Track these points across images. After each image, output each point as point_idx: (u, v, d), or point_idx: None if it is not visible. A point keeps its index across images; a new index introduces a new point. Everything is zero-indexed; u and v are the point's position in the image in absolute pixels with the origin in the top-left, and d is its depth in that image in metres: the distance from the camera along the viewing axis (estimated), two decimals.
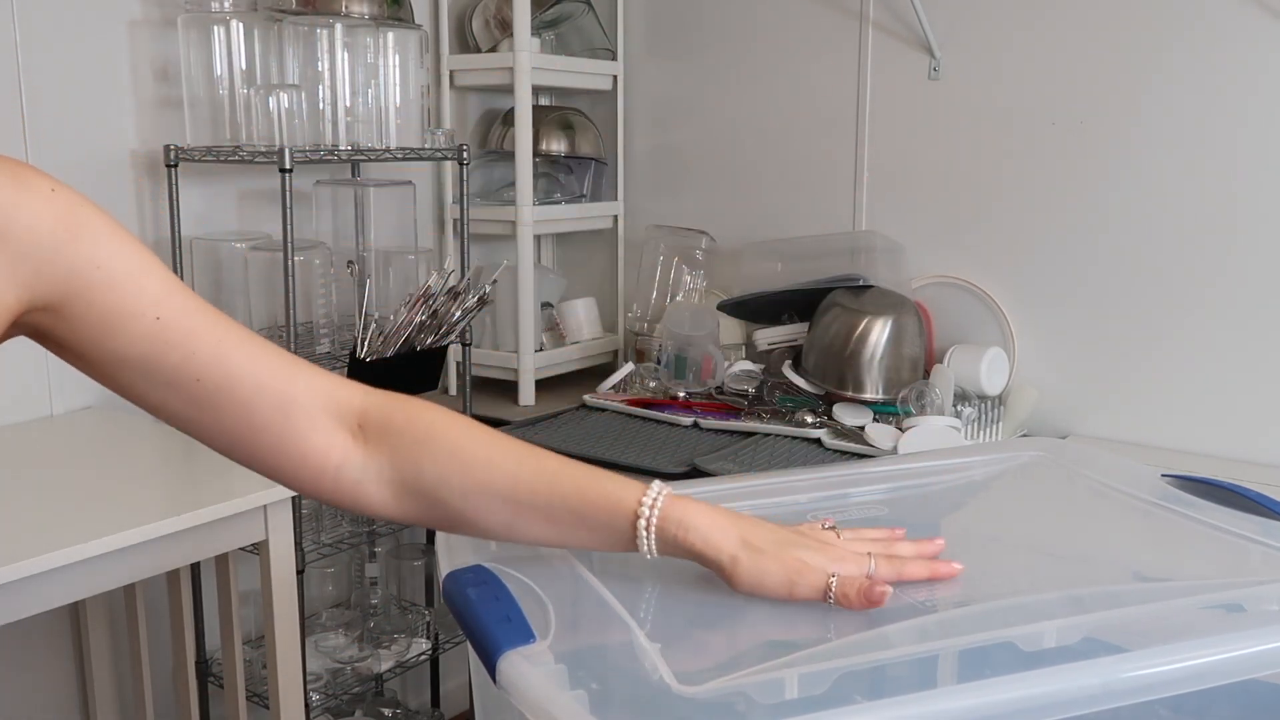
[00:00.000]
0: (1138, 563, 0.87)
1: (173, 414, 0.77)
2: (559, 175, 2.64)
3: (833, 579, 0.73)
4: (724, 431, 2.16)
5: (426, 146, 2.16)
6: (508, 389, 2.48)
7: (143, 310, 0.73)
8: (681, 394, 2.32)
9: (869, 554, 0.76)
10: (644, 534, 0.75)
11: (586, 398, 2.39)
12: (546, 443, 2.14)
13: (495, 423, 2.27)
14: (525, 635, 0.66)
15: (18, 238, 0.69)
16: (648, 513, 0.75)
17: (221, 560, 1.89)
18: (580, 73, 2.57)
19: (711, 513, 0.76)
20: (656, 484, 0.77)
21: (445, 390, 2.53)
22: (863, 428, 2.04)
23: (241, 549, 1.74)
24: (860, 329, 2.11)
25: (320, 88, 2.01)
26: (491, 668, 0.65)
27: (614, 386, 2.44)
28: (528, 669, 0.63)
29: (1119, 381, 2.15)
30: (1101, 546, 0.88)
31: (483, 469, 0.77)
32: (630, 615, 0.71)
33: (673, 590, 0.78)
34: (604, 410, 2.34)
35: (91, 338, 0.73)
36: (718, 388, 2.32)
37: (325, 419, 0.78)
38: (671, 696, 0.61)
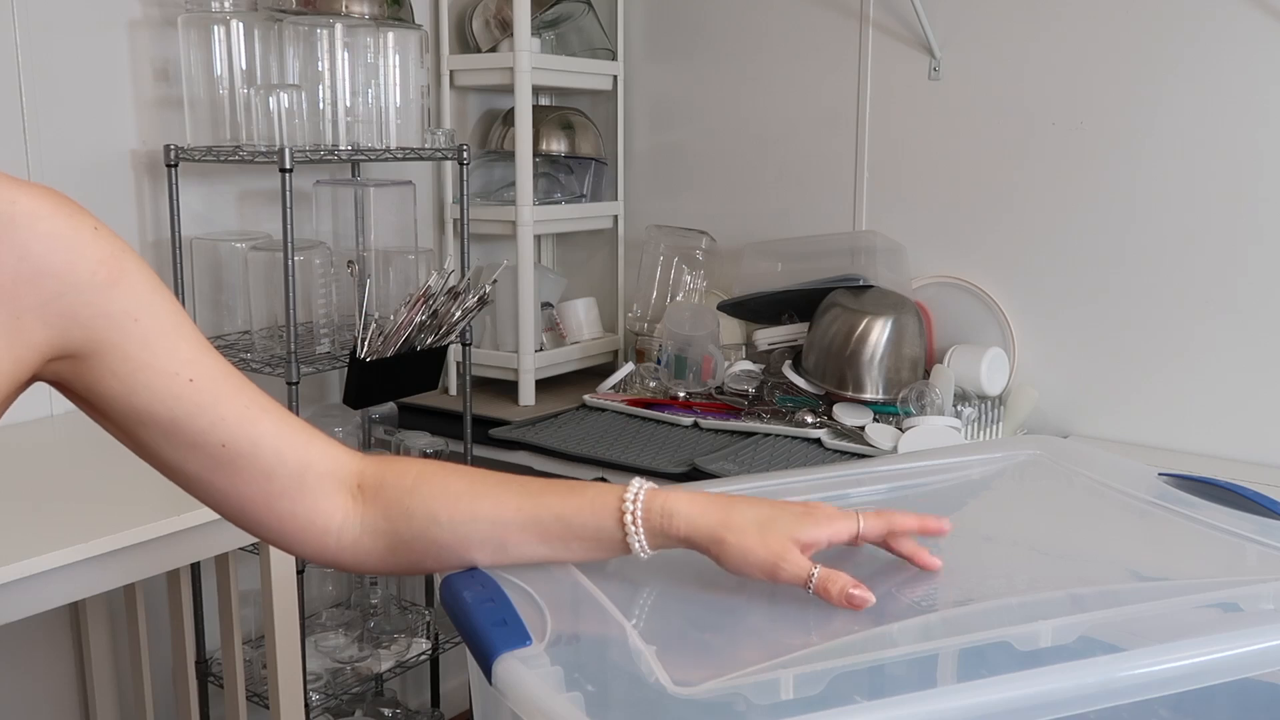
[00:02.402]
0: (1135, 562, 0.87)
1: (187, 474, 0.76)
2: (559, 175, 2.64)
3: (815, 571, 0.73)
4: (724, 431, 2.16)
5: (427, 146, 2.16)
6: (508, 389, 2.48)
7: (176, 370, 0.72)
8: (681, 394, 2.32)
9: (856, 512, 0.76)
10: (632, 528, 0.75)
11: (586, 398, 2.39)
12: (546, 443, 2.15)
13: (495, 423, 2.28)
14: (521, 638, 0.66)
15: (56, 274, 0.67)
16: (631, 506, 0.75)
17: (221, 560, 1.89)
18: (580, 73, 2.57)
19: (693, 497, 0.77)
20: (636, 480, 0.77)
21: (445, 390, 2.53)
22: (863, 428, 2.04)
23: (241, 549, 1.75)
24: (860, 329, 2.11)
25: (320, 88, 2.01)
26: (488, 670, 0.65)
27: (614, 386, 2.44)
28: (524, 671, 0.63)
29: (1119, 381, 2.15)
30: (1099, 545, 0.88)
31: (468, 499, 0.78)
32: (625, 617, 0.71)
33: (668, 592, 0.78)
34: (604, 410, 2.34)
35: (118, 392, 0.72)
36: (718, 388, 2.32)
37: (332, 483, 0.79)
38: (667, 698, 0.61)
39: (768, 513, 0.76)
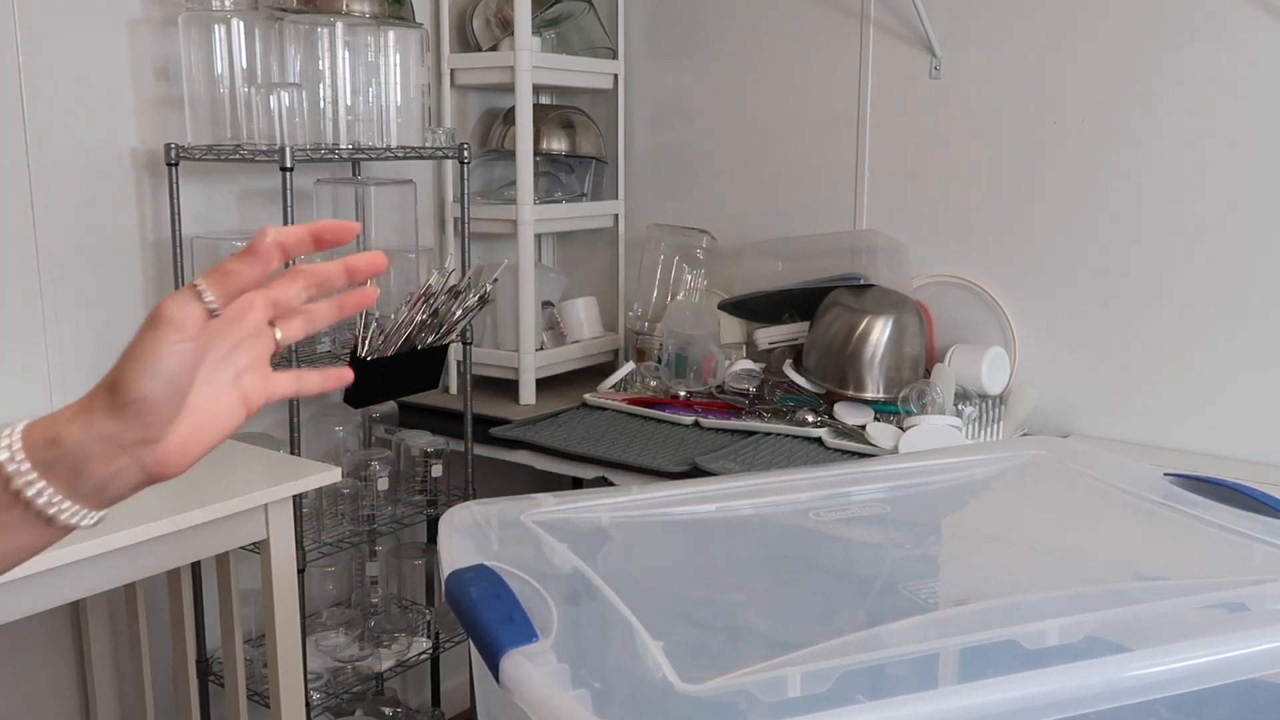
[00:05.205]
0: (1140, 561, 0.87)
1: None
2: (560, 174, 2.64)
3: (198, 283, 0.59)
4: (725, 430, 2.16)
5: (427, 145, 2.16)
6: (508, 388, 2.47)
7: None
8: (682, 393, 2.32)
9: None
10: (6, 455, 0.59)
11: (587, 397, 2.39)
12: (547, 442, 2.14)
13: (496, 422, 2.27)
14: (528, 634, 0.66)
15: None
16: (9, 436, 0.59)
17: (222, 559, 1.89)
18: (581, 72, 2.57)
19: (67, 408, 0.61)
20: (4, 427, 0.61)
21: (446, 389, 2.53)
22: (864, 427, 2.04)
23: (242, 548, 1.74)
24: (861, 328, 2.11)
25: (321, 86, 2.01)
26: (494, 667, 0.65)
27: (615, 385, 2.44)
28: (531, 669, 0.63)
29: (1119, 381, 2.15)
30: (1103, 545, 0.88)
31: None
32: (633, 614, 0.71)
33: (675, 589, 0.78)
34: (604, 409, 2.33)
35: None
36: (718, 387, 2.32)
37: None
38: (674, 695, 0.61)
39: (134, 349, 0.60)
